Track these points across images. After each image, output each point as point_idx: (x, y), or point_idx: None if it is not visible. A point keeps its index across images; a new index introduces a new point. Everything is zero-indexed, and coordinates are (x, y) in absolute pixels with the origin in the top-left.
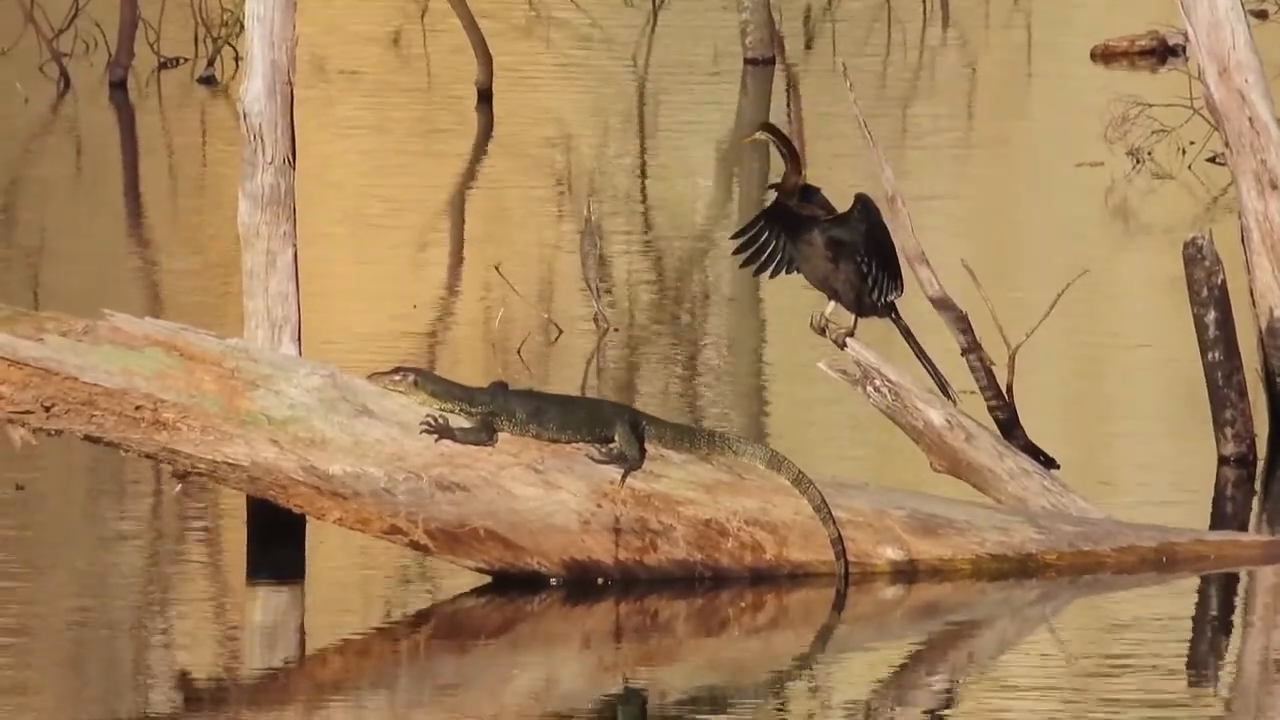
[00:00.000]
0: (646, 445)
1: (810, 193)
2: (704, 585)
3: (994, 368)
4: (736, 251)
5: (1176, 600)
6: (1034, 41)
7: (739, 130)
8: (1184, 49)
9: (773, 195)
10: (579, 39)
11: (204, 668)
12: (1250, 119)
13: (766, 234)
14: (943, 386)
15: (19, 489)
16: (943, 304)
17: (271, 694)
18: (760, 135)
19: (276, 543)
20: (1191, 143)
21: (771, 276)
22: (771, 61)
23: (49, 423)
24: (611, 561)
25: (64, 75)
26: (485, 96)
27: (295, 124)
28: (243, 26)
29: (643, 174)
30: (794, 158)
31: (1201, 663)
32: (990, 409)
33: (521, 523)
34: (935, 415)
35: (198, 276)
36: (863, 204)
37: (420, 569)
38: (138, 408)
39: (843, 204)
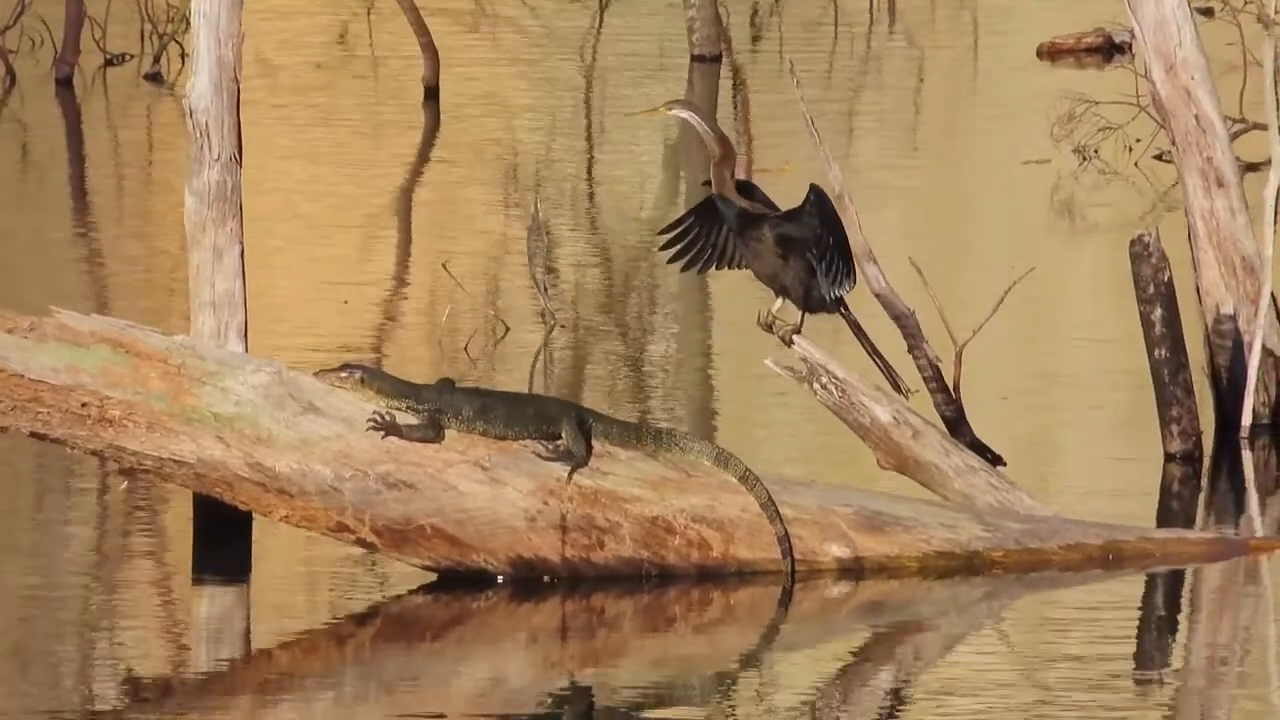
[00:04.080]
0: (593, 442)
1: (749, 189)
2: (650, 583)
3: (941, 364)
4: (664, 248)
5: (1123, 598)
6: (980, 39)
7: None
8: (1130, 46)
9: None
10: (526, 35)
11: (150, 665)
12: (1196, 116)
13: (696, 230)
14: (893, 380)
15: None
16: (888, 301)
17: (218, 691)
18: (668, 111)
19: (223, 540)
20: (1138, 140)
21: (700, 272)
22: (718, 58)
23: None
24: (558, 559)
25: (9, 72)
26: (432, 93)
27: (241, 120)
28: (189, 24)
29: (590, 170)
30: (721, 139)
31: (1147, 660)
32: (937, 406)
33: (468, 520)
34: (882, 412)
35: (144, 273)
36: (816, 195)
37: (367, 566)
38: (84, 405)
39: (785, 201)
